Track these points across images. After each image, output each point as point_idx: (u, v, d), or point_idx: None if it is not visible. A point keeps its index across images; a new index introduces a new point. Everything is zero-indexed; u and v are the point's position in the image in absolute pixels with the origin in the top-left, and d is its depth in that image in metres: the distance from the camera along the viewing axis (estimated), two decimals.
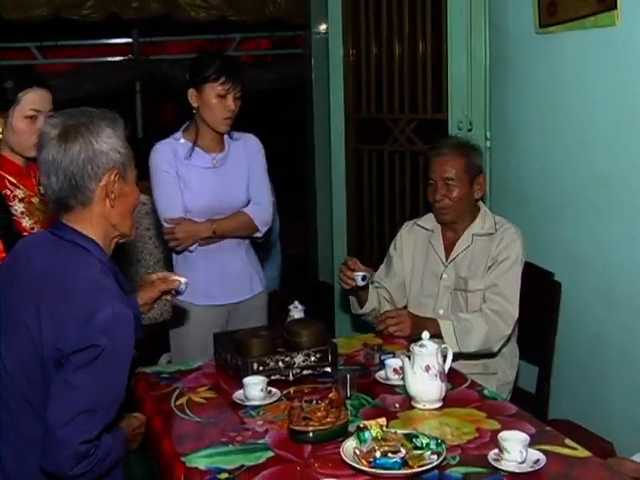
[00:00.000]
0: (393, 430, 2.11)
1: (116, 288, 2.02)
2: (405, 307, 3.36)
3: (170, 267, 3.43)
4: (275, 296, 4.72)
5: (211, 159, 3.27)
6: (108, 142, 2.01)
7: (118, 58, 7.67)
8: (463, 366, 2.95)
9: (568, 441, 2.16)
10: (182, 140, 3.28)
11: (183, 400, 2.54)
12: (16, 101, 2.63)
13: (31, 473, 1.98)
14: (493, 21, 3.79)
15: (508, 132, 3.77)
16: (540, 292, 3.36)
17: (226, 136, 3.33)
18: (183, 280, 2.56)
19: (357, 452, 2.01)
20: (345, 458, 2.02)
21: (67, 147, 1.98)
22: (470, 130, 3.93)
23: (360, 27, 4.66)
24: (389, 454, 1.97)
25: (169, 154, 3.24)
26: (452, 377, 2.59)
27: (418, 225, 3.42)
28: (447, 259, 3.27)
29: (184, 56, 7.18)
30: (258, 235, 3.33)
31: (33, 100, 2.64)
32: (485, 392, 2.53)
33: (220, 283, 3.28)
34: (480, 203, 3.32)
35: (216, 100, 3.15)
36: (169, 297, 2.60)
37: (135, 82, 7.72)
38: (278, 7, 7.40)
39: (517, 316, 3.14)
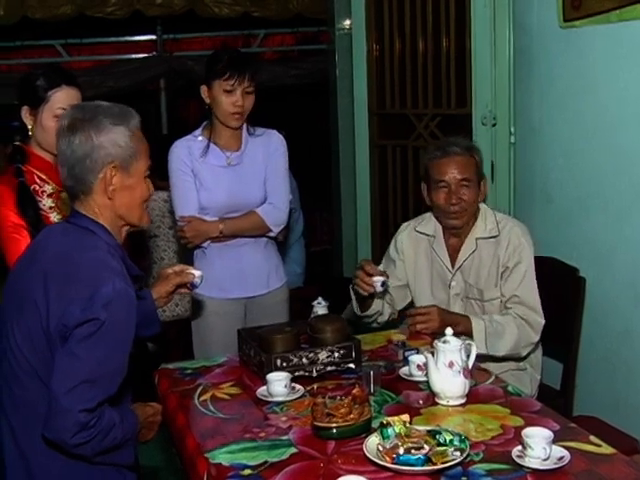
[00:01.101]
0: (416, 426, 2.10)
1: (120, 268, 2.08)
2: (405, 309, 3.32)
3: (191, 262, 3.45)
4: (299, 292, 4.74)
5: (226, 157, 3.29)
6: (108, 137, 2.10)
7: (142, 55, 7.71)
8: (496, 366, 2.99)
9: (593, 438, 2.14)
10: (200, 137, 3.30)
11: (207, 396, 2.55)
12: (46, 99, 2.66)
13: (41, 445, 2.05)
14: (517, 16, 3.76)
15: (533, 127, 3.74)
16: (564, 288, 3.35)
17: (245, 132, 3.33)
18: (197, 273, 2.60)
19: (380, 448, 2.00)
20: (368, 454, 2.01)
21: (70, 139, 2.10)
22: (494, 125, 3.90)
23: (383, 22, 4.65)
24: (412, 450, 1.97)
25: (185, 152, 3.27)
26: (476, 373, 2.59)
27: (417, 231, 3.32)
28: (453, 266, 3.20)
29: (208, 52, 7.16)
30: (271, 235, 3.34)
31: (62, 99, 2.66)
32: (509, 388, 2.52)
33: (234, 277, 3.30)
34: (480, 203, 3.23)
35: (224, 96, 3.16)
36: (184, 290, 2.65)
37: (159, 79, 7.77)
38: (302, 3, 7.43)
39: (544, 322, 3.11)
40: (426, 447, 1.98)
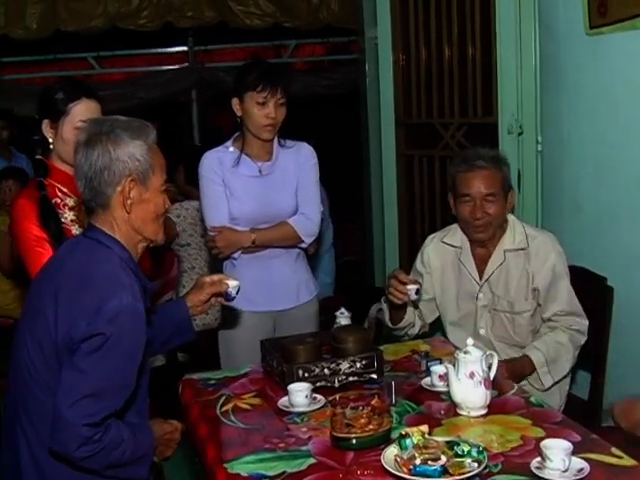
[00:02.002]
0: (435, 437, 2.10)
1: (130, 283, 2.09)
2: (434, 322, 3.32)
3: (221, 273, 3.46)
4: (328, 302, 4.74)
5: (257, 168, 3.28)
6: (126, 150, 2.12)
7: (174, 66, 7.77)
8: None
9: (614, 450, 2.11)
10: (231, 148, 3.30)
11: (229, 406, 2.56)
12: (66, 112, 2.69)
13: (50, 455, 2.08)
14: (543, 23, 3.74)
15: (560, 136, 3.71)
16: (593, 297, 3.30)
17: (276, 144, 3.33)
18: (232, 284, 2.56)
19: (398, 459, 2.00)
20: (385, 465, 2.01)
21: (88, 153, 2.13)
22: (521, 134, 3.88)
23: (409, 32, 4.64)
24: (429, 462, 1.96)
25: (215, 163, 3.27)
26: (499, 384, 2.57)
27: (443, 242, 3.28)
28: (480, 278, 3.17)
29: (239, 63, 7.20)
30: (303, 246, 3.33)
31: (82, 112, 2.68)
32: (532, 399, 2.50)
33: (263, 290, 3.28)
34: (509, 214, 3.19)
35: (256, 108, 3.16)
36: (219, 300, 2.63)
37: (191, 90, 7.82)
38: (332, 13, 7.46)
39: (587, 322, 3.12)
40: (443, 458, 1.98)
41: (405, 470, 1.96)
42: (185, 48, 7.78)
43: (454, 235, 3.26)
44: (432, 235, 3.41)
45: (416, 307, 3.21)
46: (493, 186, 3.06)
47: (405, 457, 2.00)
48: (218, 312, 3.94)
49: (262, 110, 3.16)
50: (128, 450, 2.08)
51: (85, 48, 7.37)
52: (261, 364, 2.89)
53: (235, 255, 3.28)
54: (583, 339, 3.10)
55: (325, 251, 5.42)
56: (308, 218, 3.31)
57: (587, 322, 3.11)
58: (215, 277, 2.61)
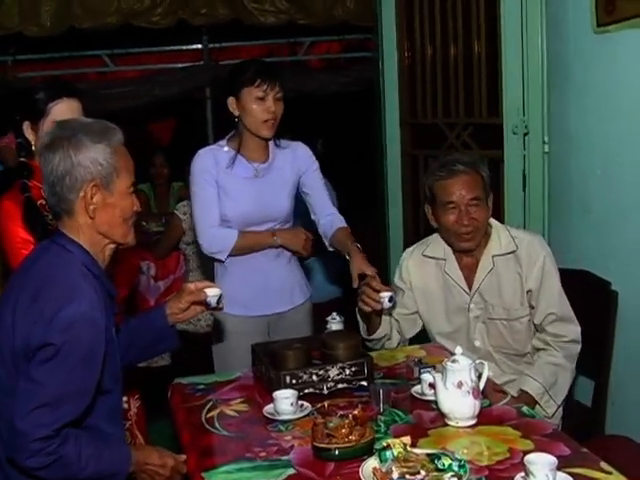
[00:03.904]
0: (416, 450, 2.03)
1: (89, 289, 2.06)
2: (416, 337, 3.24)
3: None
4: (337, 304, 4.69)
5: (253, 169, 3.23)
6: (88, 155, 2.09)
7: (188, 64, 7.70)
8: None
9: (604, 464, 2.03)
10: (226, 148, 3.25)
11: (214, 413, 2.52)
12: (46, 112, 2.66)
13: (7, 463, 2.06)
14: (550, 21, 3.65)
15: (568, 136, 3.63)
16: (597, 302, 3.23)
17: (272, 144, 3.28)
18: (212, 292, 2.46)
19: (376, 472, 1.94)
20: (363, 478, 1.96)
21: (49, 158, 2.10)
22: (526, 134, 3.79)
23: (414, 31, 4.57)
24: (407, 476, 1.90)
25: (211, 161, 3.21)
26: (491, 393, 2.52)
27: (425, 255, 3.16)
28: (470, 288, 3.06)
29: None
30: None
31: (62, 111, 2.66)
32: (524, 409, 2.43)
33: (258, 294, 3.23)
34: (490, 219, 3.08)
35: (255, 104, 3.12)
36: (200, 308, 2.52)
37: (205, 87, 7.77)
38: (347, 10, 7.36)
39: (580, 328, 3.03)
40: (422, 472, 1.92)
41: None
42: (199, 46, 7.72)
43: (436, 246, 3.14)
44: (410, 249, 3.28)
45: (389, 314, 3.10)
46: (476, 190, 2.96)
47: (383, 470, 1.94)
48: (210, 318, 3.90)
49: (262, 105, 3.12)
50: (90, 466, 2.04)
51: (99, 45, 7.34)
52: (251, 369, 2.85)
53: (221, 257, 3.22)
54: (578, 347, 3.02)
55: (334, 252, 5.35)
56: (338, 214, 3.32)
57: (579, 328, 3.02)
58: (199, 284, 2.50)
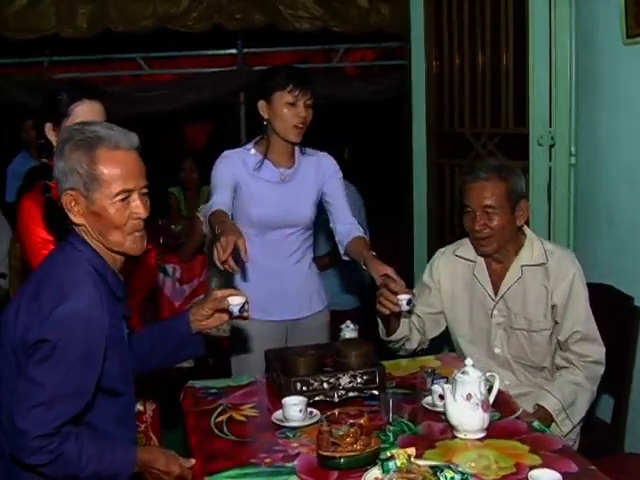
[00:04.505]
0: (420, 462, 2.01)
1: (91, 288, 2.06)
2: (438, 337, 3.21)
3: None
4: (355, 313, 4.68)
5: (279, 174, 3.23)
6: (67, 163, 2.11)
7: (222, 69, 7.76)
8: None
9: None
10: (252, 151, 3.25)
11: (224, 417, 2.51)
12: (67, 114, 2.68)
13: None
14: (579, 32, 3.62)
15: (596, 148, 3.58)
16: (618, 317, 3.18)
17: (297, 151, 3.28)
18: (235, 301, 2.39)
19: None
20: None
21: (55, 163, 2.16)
22: (552, 146, 3.74)
23: (443, 40, 4.54)
24: None
25: (238, 163, 3.20)
26: (503, 406, 2.49)
27: (456, 255, 3.16)
28: (496, 294, 3.05)
29: None
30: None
31: (84, 113, 2.66)
32: (535, 424, 2.39)
33: (277, 299, 3.22)
34: (526, 229, 3.08)
35: (286, 108, 3.11)
36: (224, 317, 2.47)
37: (239, 92, 7.80)
38: (382, 18, 7.36)
39: (604, 349, 2.99)
40: None
41: None
42: (234, 51, 7.76)
43: (467, 248, 3.14)
44: (442, 249, 3.29)
45: (407, 317, 3.08)
46: (493, 197, 2.93)
47: None
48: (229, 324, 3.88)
49: (292, 110, 3.11)
50: (91, 466, 2.04)
51: (134, 48, 7.41)
52: (265, 375, 2.84)
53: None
54: (601, 370, 2.98)
55: None
56: (357, 224, 3.28)
57: (604, 349, 2.98)
58: (225, 292, 2.43)
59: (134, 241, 2.18)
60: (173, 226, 5.94)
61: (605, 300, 3.23)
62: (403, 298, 2.75)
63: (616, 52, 3.39)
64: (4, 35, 6.67)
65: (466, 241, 3.16)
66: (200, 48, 7.63)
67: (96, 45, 7.04)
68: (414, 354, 3.16)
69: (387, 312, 2.85)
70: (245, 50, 7.75)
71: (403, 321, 3.08)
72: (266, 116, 3.18)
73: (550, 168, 3.77)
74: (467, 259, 3.13)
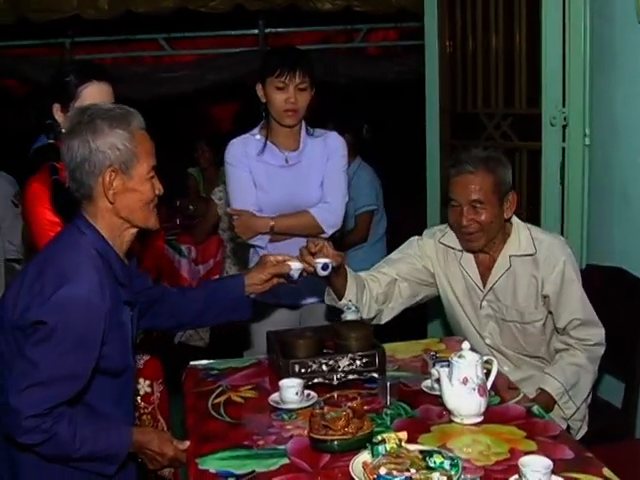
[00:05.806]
0: (410, 446, 1.99)
1: (92, 273, 2.07)
2: (411, 308, 3.15)
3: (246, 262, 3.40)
4: None
5: (284, 157, 3.22)
6: (106, 140, 2.09)
7: (244, 49, 7.70)
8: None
9: (606, 471, 1.95)
10: (258, 136, 3.25)
11: (221, 399, 2.51)
12: (76, 95, 2.67)
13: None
14: (594, 11, 3.52)
15: (612, 128, 3.50)
16: (628, 301, 3.13)
17: (304, 132, 3.26)
18: (295, 266, 2.57)
19: (364, 466, 1.90)
20: (352, 471, 1.92)
21: (70, 145, 2.11)
22: (565, 126, 3.66)
23: (456, 19, 4.46)
24: (394, 472, 1.85)
25: (241, 150, 3.21)
26: (502, 390, 2.46)
27: (441, 243, 3.07)
28: (484, 285, 2.98)
29: (310, 47, 7.15)
30: (324, 236, 3.15)
31: (93, 94, 2.66)
32: (534, 409, 2.35)
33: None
34: (513, 217, 2.97)
35: (276, 93, 3.11)
36: (279, 280, 2.64)
37: None
38: None
39: (604, 330, 2.94)
40: (412, 470, 1.86)
41: (369, 478, 1.86)
42: (255, 31, 7.71)
43: (453, 238, 3.03)
44: (430, 230, 3.19)
45: (294, 284, 2.77)
46: (480, 192, 2.84)
47: (373, 464, 1.90)
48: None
49: (282, 95, 3.11)
50: (85, 447, 2.06)
51: (156, 29, 7.39)
52: (267, 356, 2.83)
53: (261, 243, 3.19)
54: (602, 350, 2.93)
55: (376, 241, 5.31)
56: (331, 208, 3.21)
57: (603, 330, 2.93)
58: (280, 257, 2.62)
59: (156, 217, 2.25)
60: (191, 207, 5.95)
61: (615, 282, 3.19)
62: (318, 262, 2.67)
63: (632, 30, 3.30)
64: (26, 16, 6.68)
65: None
66: (221, 29, 7.59)
67: (118, 26, 7.02)
68: (418, 336, 3.13)
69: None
70: (267, 30, 7.69)
71: (350, 284, 2.91)
72: (263, 99, 3.19)
73: (563, 149, 3.69)
74: (453, 248, 3.04)
